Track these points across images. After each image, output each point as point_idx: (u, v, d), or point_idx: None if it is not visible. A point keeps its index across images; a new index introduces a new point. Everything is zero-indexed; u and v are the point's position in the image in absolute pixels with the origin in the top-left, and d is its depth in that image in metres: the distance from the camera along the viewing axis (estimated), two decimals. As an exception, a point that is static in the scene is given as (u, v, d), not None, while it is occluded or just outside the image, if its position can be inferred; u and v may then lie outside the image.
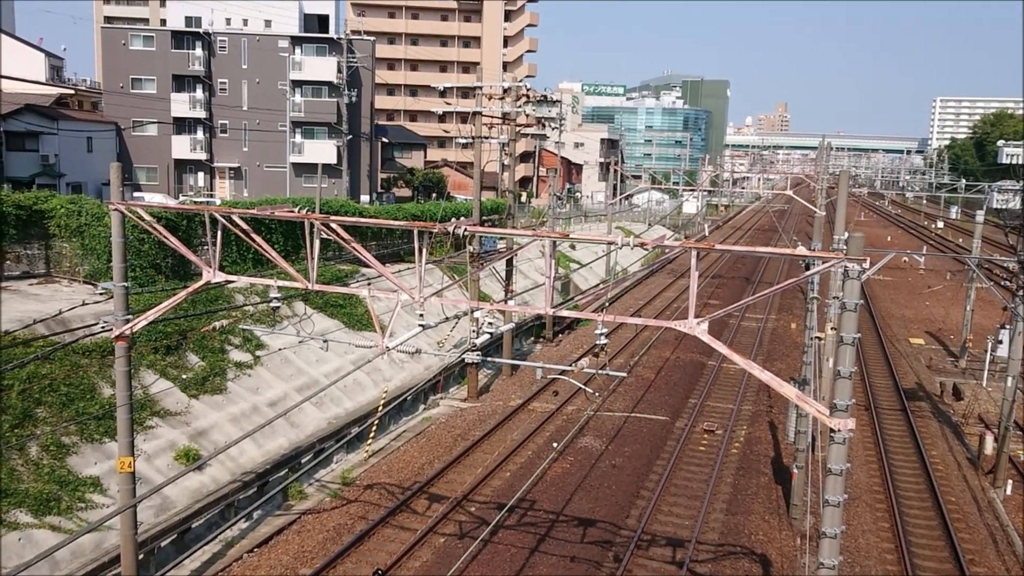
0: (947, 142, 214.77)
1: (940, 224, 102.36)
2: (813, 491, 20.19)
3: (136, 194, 57.93)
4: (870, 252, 11.99)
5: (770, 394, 30.99)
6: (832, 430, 10.99)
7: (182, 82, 64.75)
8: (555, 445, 24.81)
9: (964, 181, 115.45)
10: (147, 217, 14.44)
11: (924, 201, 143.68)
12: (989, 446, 25.09)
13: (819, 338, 20.44)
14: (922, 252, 47.66)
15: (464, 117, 30.83)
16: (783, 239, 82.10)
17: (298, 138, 66.78)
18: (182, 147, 65.20)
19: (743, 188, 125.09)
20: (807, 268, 17.44)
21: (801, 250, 12.23)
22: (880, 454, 25.57)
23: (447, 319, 22.35)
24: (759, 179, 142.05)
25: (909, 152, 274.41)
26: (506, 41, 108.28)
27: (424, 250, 13.09)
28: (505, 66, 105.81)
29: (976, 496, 23.13)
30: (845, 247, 14.66)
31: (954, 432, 28.39)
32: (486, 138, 31.12)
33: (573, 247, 56.86)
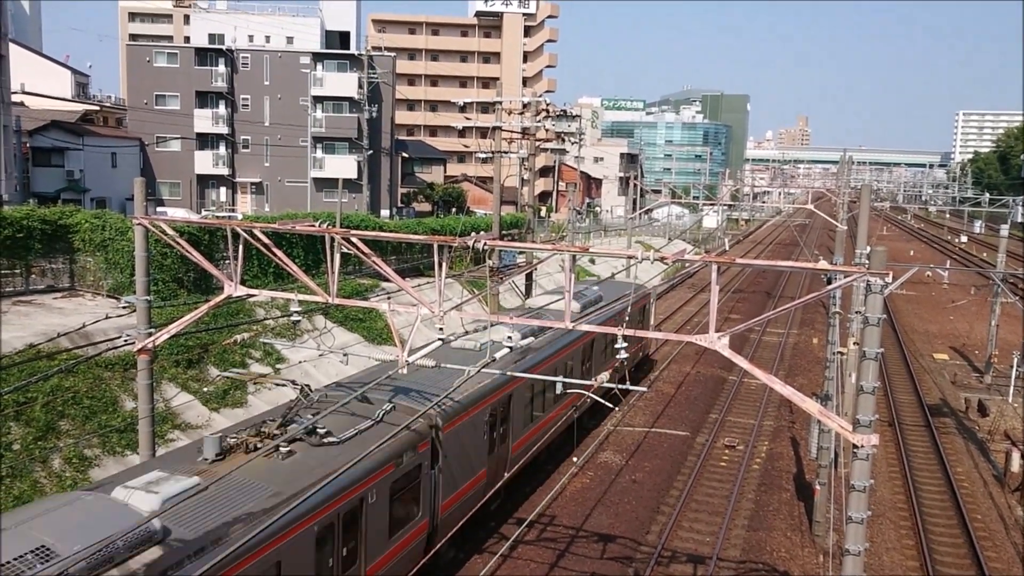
0: (970, 156, 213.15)
1: (964, 238, 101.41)
2: (836, 508, 19.96)
3: (159, 209, 58.59)
4: (893, 266, 11.88)
5: (792, 409, 30.73)
6: (855, 446, 10.87)
7: (205, 98, 65.53)
8: (574, 460, 24.70)
9: (988, 195, 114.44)
10: (170, 231, 14.57)
11: (947, 215, 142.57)
12: (1016, 463, 24.72)
13: (841, 353, 20.29)
14: (946, 266, 47.11)
15: (484, 132, 30.98)
16: (804, 253, 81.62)
17: (319, 153, 67.30)
18: (205, 162, 65.89)
19: (763, 202, 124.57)
20: (829, 282, 17.32)
21: (823, 264, 12.14)
22: (904, 470, 25.26)
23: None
24: (780, 193, 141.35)
25: (932, 166, 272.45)
26: (526, 56, 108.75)
27: (444, 264, 13.11)
28: (525, 81, 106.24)
29: (1003, 514, 22.78)
30: (867, 261, 14.55)
31: (980, 449, 28.01)
32: (506, 153, 31.22)
33: (593, 261, 56.81)
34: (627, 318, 18.29)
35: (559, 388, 14.56)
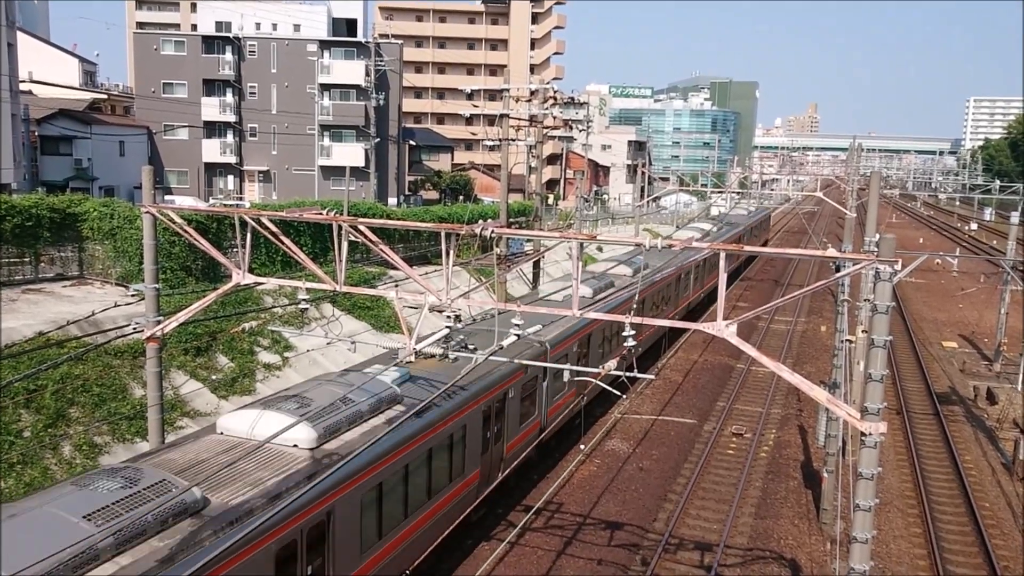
0: (981, 143, 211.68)
1: (974, 226, 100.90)
2: (844, 495, 19.96)
3: (167, 197, 58.69)
4: (902, 254, 11.83)
5: (800, 397, 30.70)
6: (863, 434, 10.85)
7: (212, 86, 65.49)
8: (582, 447, 24.75)
9: (998, 182, 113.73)
10: (178, 220, 14.59)
11: (957, 203, 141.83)
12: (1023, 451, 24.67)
13: (850, 341, 20.23)
14: (955, 254, 46.91)
15: (491, 120, 30.85)
16: (813, 241, 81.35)
17: (326, 141, 67.25)
18: (212, 150, 65.91)
19: (772, 190, 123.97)
20: (837, 270, 17.27)
21: (831, 252, 12.10)
22: (912, 458, 25.23)
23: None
24: (788, 181, 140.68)
25: (942, 153, 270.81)
26: (533, 44, 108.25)
27: (451, 252, 13.10)
28: (532, 68, 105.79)
29: (1011, 502, 22.75)
30: (876, 249, 14.49)
31: (988, 437, 27.95)
32: (513, 140, 31.11)
33: (600, 249, 56.70)
34: (633, 307, 18.31)
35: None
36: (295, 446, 12.79)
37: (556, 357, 22.15)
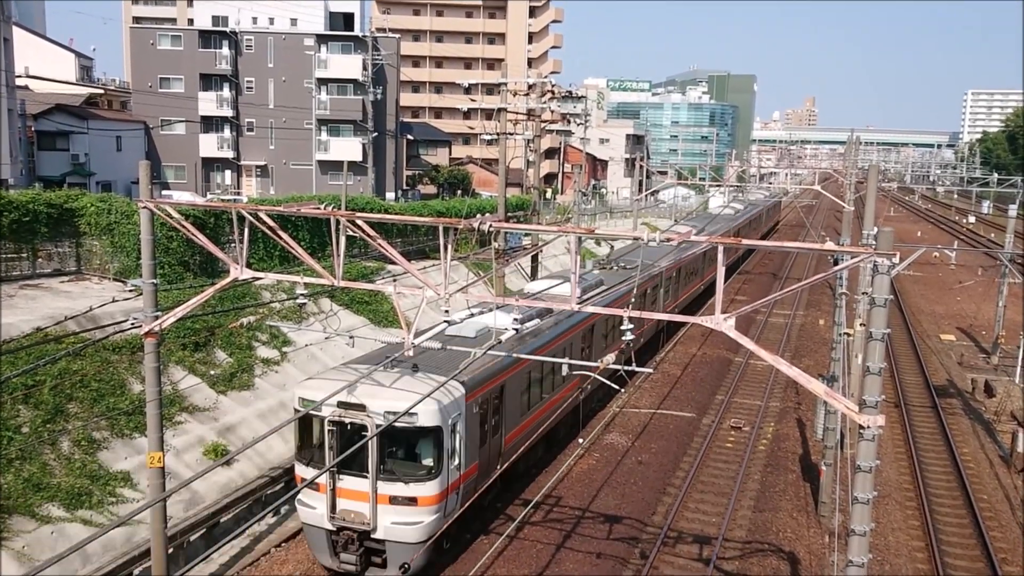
0: (979, 136, 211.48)
1: (971, 219, 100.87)
2: (842, 488, 19.99)
3: (164, 192, 58.52)
4: (900, 247, 11.83)
5: (798, 391, 30.74)
6: (861, 427, 10.86)
7: (209, 81, 65.31)
8: (580, 441, 24.77)
9: (996, 175, 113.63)
10: (175, 215, 14.56)
11: (955, 196, 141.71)
12: (1022, 444, 24.70)
13: (848, 334, 20.23)
14: (953, 247, 46.90)
15: (489, 114, 30.79)
16: (811, 234, 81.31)
17: (324, 136, 67.12)
18: (209, 145, 65.76)
19: (770, 183, 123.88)
20: (836, 263, 17.25)
21: (830, 245, 12.10)
22: (910, 451, 25.27)
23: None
24: (786, 174, 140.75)
25: (940, 146, 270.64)
26: (531, 37, 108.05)
27: (449, 246, 13.09)
28: (530, 62, 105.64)
29: (1008, 494, 22.80)
30: (874, 242, 14.48)
31: (986, 429, 28.00)
32: (511, 134, 31.05)
33: (598, 243, 56.68)
34: (632, 301, 18.26)
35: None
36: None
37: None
